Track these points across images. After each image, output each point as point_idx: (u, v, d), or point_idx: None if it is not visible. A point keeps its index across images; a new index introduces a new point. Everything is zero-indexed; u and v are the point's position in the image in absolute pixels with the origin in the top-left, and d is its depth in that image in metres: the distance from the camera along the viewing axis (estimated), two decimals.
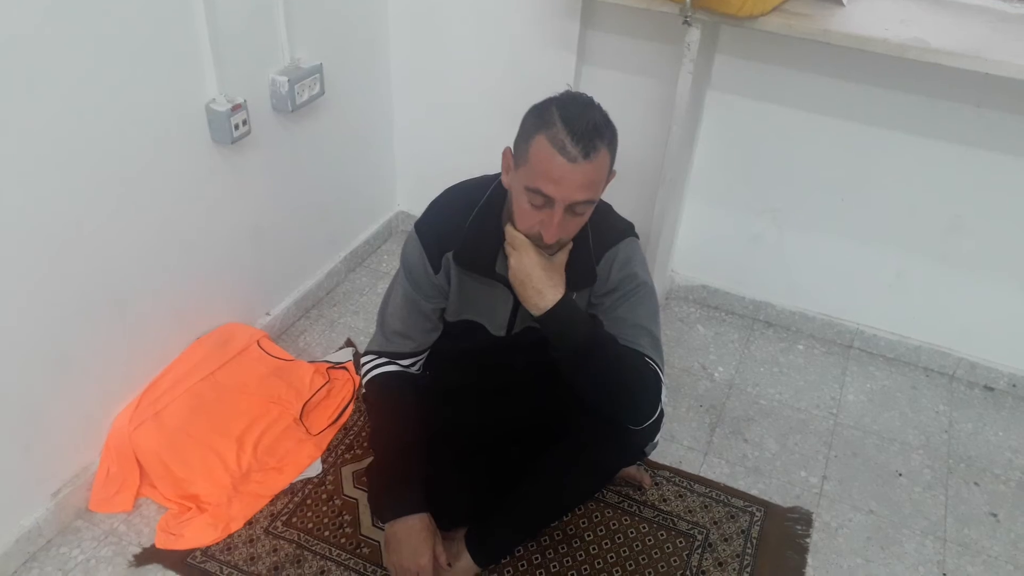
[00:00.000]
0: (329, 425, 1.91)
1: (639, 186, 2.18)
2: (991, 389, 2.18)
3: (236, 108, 1.74)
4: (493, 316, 1.49)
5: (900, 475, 1.91)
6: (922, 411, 2.10)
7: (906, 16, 1.71)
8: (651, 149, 2.13)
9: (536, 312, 1.34)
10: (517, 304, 1.46)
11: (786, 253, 2.26)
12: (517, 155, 1.29)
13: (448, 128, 2.42)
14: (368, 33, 2.23)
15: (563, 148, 1.19)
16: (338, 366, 2.06)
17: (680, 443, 1.96)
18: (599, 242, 1.43)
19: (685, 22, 1.64)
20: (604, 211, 1.48)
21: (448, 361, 1.64)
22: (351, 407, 1.97)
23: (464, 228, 1.42)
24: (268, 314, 2.15)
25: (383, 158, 2.49)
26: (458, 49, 2.26)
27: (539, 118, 1.24)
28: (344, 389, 2.00)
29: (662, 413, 1.50)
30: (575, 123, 1.20)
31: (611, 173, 1.31)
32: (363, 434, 1.91)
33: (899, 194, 2.05)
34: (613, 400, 1.39)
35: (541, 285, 1.32)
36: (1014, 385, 2.16)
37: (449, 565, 1.49)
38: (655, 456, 1.85)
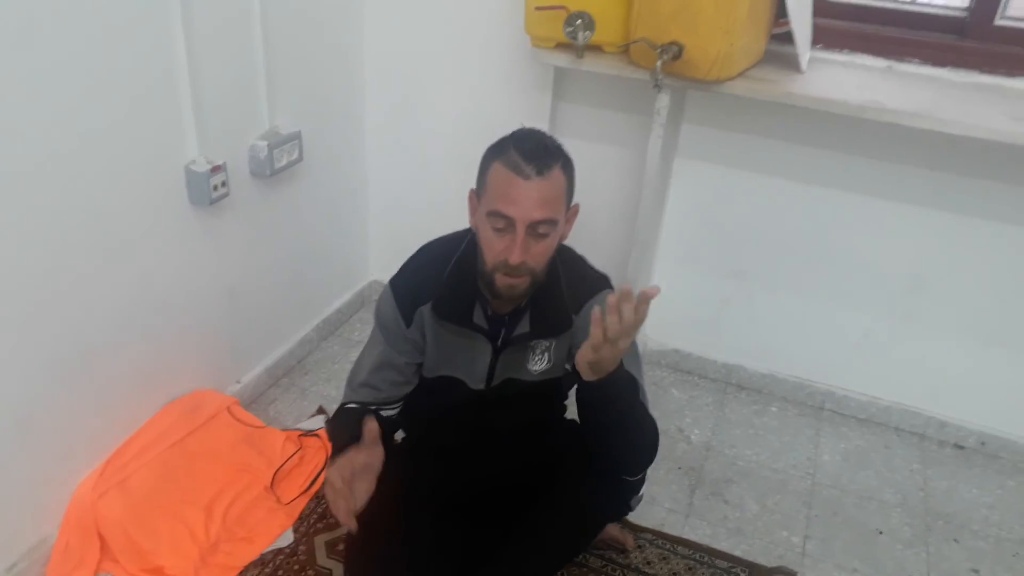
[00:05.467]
0: (301, 494, 1.84)
1: (611, 251, 2.21)
2: (961, 448, 2.21)
3: (215, 170, 1.75)
4: (472, 368, 1.48)
5: (881, 533, 1.90)
6: (897, 470, 2.11)
7: (861, 83, 1.80)
8: (622, 214, 2.19)
9: (603, 374, 1.25)
10: (496, 354, 1.45)
11: (756, 315, 2.30)
12: (478, 190, 1.34)
13: (422, 198, 2.45)
14: (346, 102, 2.28)
15: (517, 168, 1.25)
16: (310, 434, 2.01)
17: (661, 505, 1.93)
18: (575, 292, 1.44)
19: (655, 86, 1.71)
20: (578, 260, 1.50)
21: (427, 421, 1.61)
22: (323, 475, 1.91)
23: (440, 280, 1.43)
24: (239, 382, 2.10)
25: (357, 226, 2.51)
26: (432, 120, 2.32)
27: (494, 150, 1.32)
28: (316, 457, 1.95)
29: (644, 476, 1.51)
30: (526, 145, 1.28)
31: (573, 205, 1.35)
32: None
33: (862, 255, 2.11)
34: (627, 449, 1.39)
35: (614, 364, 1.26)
36: (983, 443, 2.19)
37: None
38: (636, 518, 1.83)
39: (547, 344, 1.47)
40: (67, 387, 1.59)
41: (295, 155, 2.02)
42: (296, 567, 1.68)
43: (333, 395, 2.20)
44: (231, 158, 1.83)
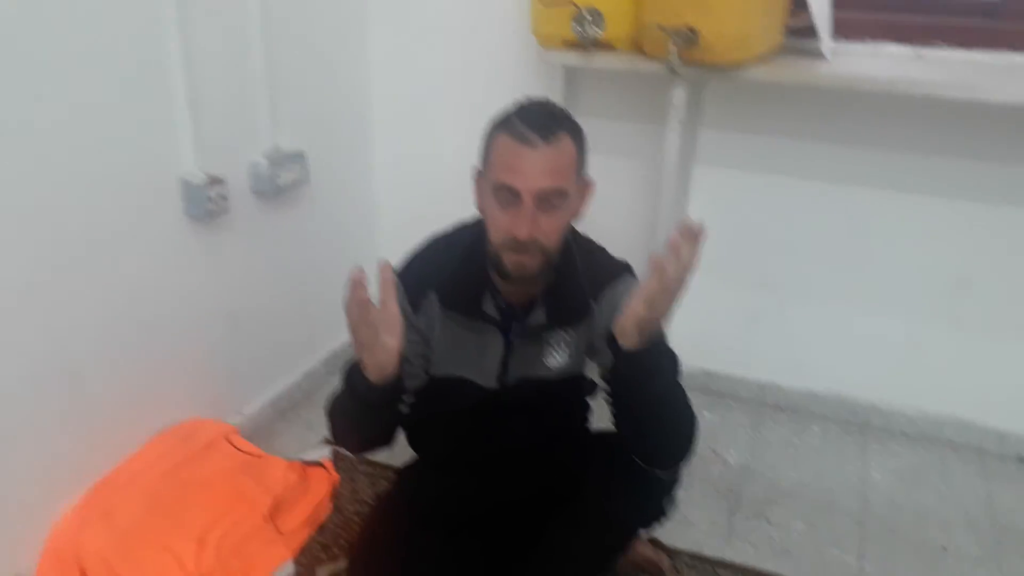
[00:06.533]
0: (302, 524, 1.70)
1: None
2: None
3: (213, 182, 1.67)
4: (482, 364, 1.35)
5: (945, 550, 1.71)
6: (956, 486, 1.92)
7: (890, 67, 1.71)
8: (640, 228, 2.08)
9: (646, 340, 1.11)
10: (508, 348, 1.33)
11: (789, 329, 2.15)
12: (483, 168, 1.24)
13: (432, 223, 2.36)
14: (352, 123, 2.22)
15: (521, 137, 1.15)
16: (314, 463, 1.87)
17: (698, 528, 1.75)
18: (594, 277, 1.32)
19: (671, 72, 1.63)
20: (598, 250, 1.39)
21: (437, 432, 1.48)
22: (328, 507, 1.77)
23: (448, 267, 1.32)
24: (240, 413, 1.98)
25: (365, 253, 2.42)
26: (442, 141, 2.25)
27: (497, 121, 1.22)
28: (320, 487, 1.80)
29: (679, 472, 1.36)
30: (531, 113, 1.19)
31: (586, 178, 1.25)
32: (341, 534, 1.69)
33: (900, 256, 1.98)
34: (665, 434, 1.23)
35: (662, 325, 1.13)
36: None
37: None
38: (671, 540, 1.65)
39: (565, 336, 1.35)
40: (49, 407, 1.48)
41: (299, 175, 1.95)
42: None
43: None
44: (232, 174, 1.76)
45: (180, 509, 1.59)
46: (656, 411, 1.19)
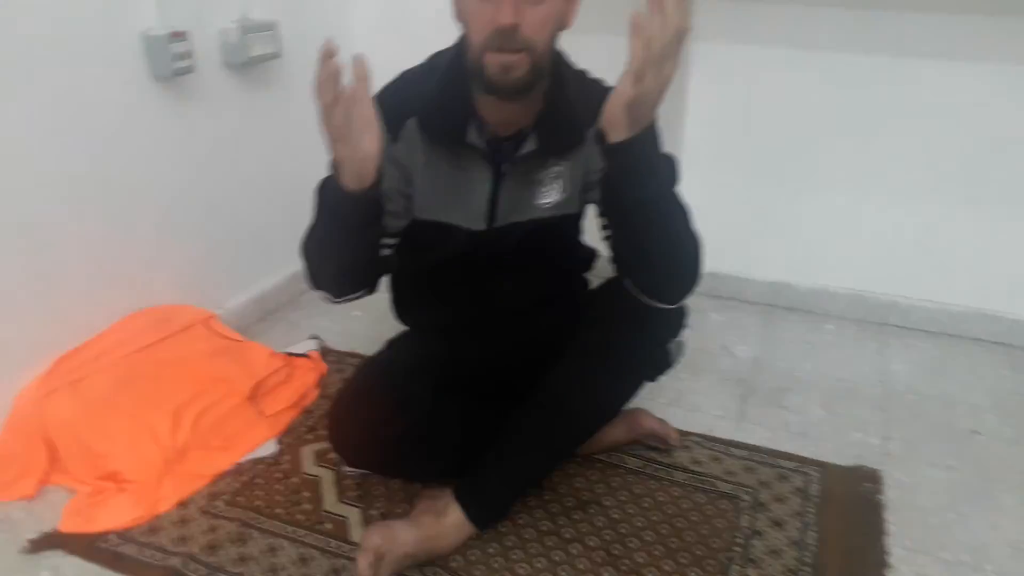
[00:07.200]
0: (287, 408, 1.59)
1: None
2: None
3: (176, 35, 1.56)
4: (469, 203, 1.23)
5: (977, 433, 1.59)
6: (984, 377, 1.80)
7: None
8: None
9: (631, 132, 1.00)
10: (497, 184, 1.21)
11: (799, 222, 2.03)
12: None
13: None
14: None
15: None
16: (300, 356, 1.76)
17: (707, 412, 1.64)
18: (588, 104, 1.18)
19: None
20: (592, 79, 1.27)
21: (423, 292, 1.37)
22: (315, 393, 1.66)
23: (428, 92, 1.19)
24: (221, 307, 1.87)
25: None
26: (424, 6, 2.11)
27: None
28: (306, 376, 1.70)
29: (685, 310, 1.25)
30: None
31: None
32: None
33: (912, 131, 1.85)
34: (666, 255, 1.11)
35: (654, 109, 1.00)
36: None
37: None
38: (679, 422, 1.54)
39: (558, 169, 1.23)
40: (6, 268, 1.37)
41: (272, 48, 1.83)
42: (278, 475, 1.41)
43: (329, 326, 1.96)
44: (199, 38, 1.65)
45: (154, 385, 1.49)
46: (655, 221, 1.07)
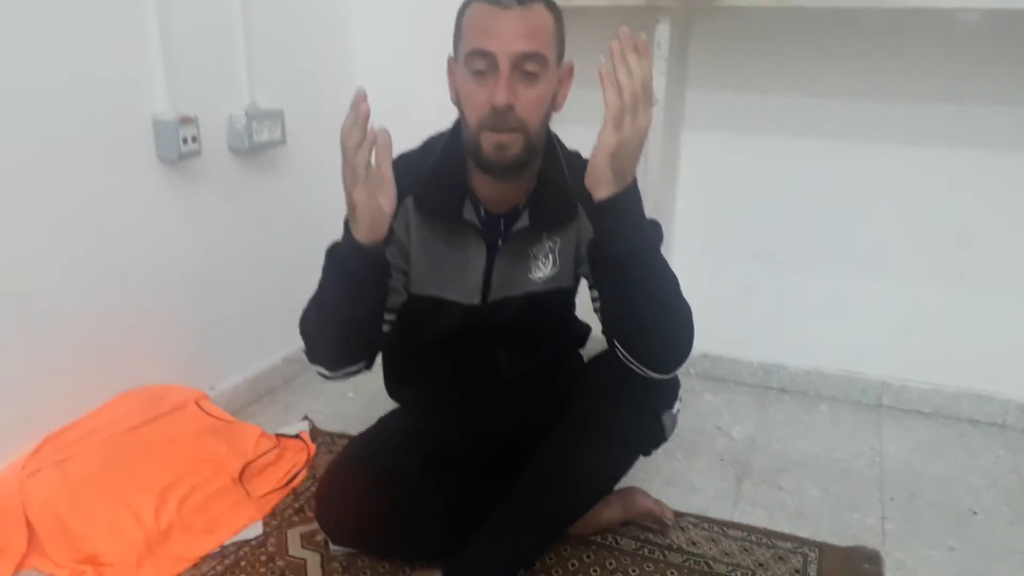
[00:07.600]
0: (276, 489, 1.56)
1: None
2: None
3: (185, 121, 1.61)
4: (464, 278, 1.25)
5: (975, 513, 1.57)
6: (979, 456, 1.79)
7: None
8: None
9: (616, 188, 1.04)
10: (491, 260, 1.24)
11: (789, 303, 2.05)
12: (455, 47, 1.17)
13: None
14: (333, 86, 2.12)
15: (495, 0, 1.08)
16: (291, 437, 1.74)
17: (703, 493, 1.62)
18: (579, 177, 1.22)
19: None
20: (579, 155, 1.31)
21: (416, 367, 1.37)
22: (304, 474, 1.64)
23: (424, 172, 1.23)
24: (213, 387, 1.86)
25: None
26: (424, 106, 2.15)
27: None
28: (296, 458, 1.68)
29: (677, 381, 1.25)
30: None
31: (566, 62, 1.18)
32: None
33: (899, 213, 1.90)
34: (656, 322, 1.11)
35: (635, 161, 1.05)
36: None
37: None
38: (675, 503, 1.52)
39: (551, 244, 1.26)
40: (1, 344, 1.37)
41: (277, 135, 1.89)
42: (264, 558, 1.37)
43: (322, 408, 1.95)
44: (207, 124, 1.70)
45: (141, 465, 1.47)
46: (643, 277, 1.08)
